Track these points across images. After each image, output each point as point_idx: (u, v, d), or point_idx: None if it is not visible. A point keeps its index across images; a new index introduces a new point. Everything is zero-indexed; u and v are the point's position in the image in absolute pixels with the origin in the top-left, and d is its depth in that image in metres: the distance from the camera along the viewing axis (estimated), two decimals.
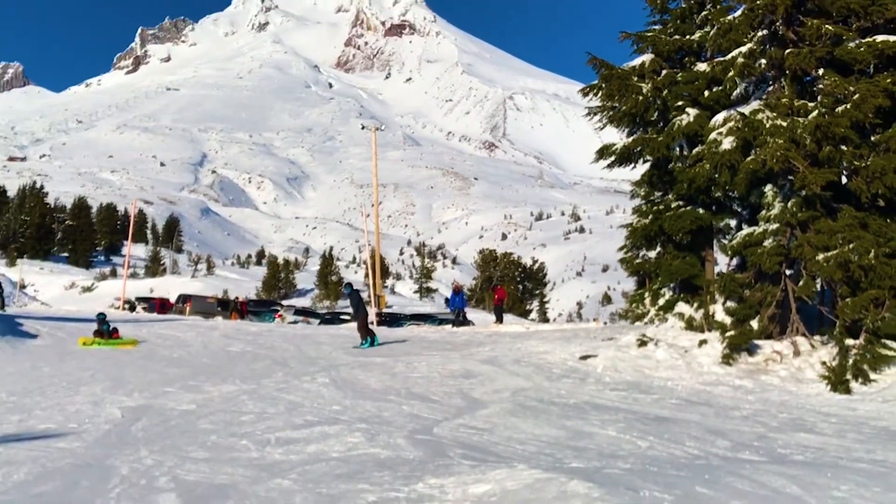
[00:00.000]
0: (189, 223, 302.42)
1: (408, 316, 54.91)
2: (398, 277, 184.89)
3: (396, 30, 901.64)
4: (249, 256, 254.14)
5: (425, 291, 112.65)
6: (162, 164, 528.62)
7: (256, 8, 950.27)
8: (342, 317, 56.43)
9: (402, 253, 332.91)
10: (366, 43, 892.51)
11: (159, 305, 61.63)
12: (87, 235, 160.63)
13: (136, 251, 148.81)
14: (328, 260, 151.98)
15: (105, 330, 30.39)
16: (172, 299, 64.78)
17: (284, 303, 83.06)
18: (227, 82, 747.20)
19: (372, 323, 41.67)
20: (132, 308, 61.45)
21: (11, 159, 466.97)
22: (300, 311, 61.85)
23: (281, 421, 14.80)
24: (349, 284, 33.71)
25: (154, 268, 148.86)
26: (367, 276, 72.44)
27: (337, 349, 29.83)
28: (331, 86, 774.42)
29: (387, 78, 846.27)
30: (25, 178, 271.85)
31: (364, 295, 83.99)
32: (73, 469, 10.85)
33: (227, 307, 60.67)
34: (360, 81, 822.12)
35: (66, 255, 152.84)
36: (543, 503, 8.51)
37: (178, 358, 26.05)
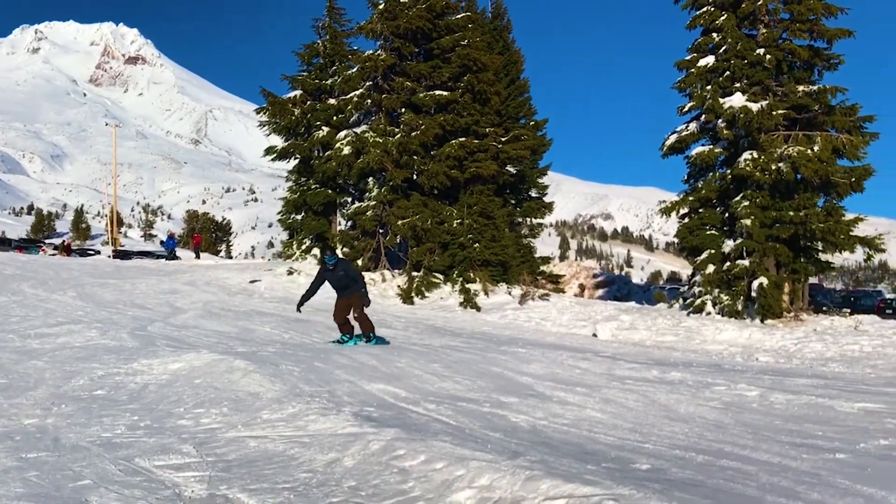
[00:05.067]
0: None
1: (135, 252, 51.32)
2: (130, 227, 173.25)
3: (133, 60, 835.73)
4: (22, 209, 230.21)
5: (148, 236, 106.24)
6: None
7: (31, 38, 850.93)
8: (89, 252, 52.03)
9: (132, 210, 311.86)
10: (111, 67, 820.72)
11: None
12: None
13: None
14: (79, 213, 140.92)
15: None
16: None
17: (47, 241, 75.21)
18: (9, 87, 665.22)
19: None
20: None
21: None
22: (58, 247, 56.41)
23: (39, 321, 13.54)
24: (331, 251, 13.10)
25: None
26: (106, 225, 67.38)
27: (83, 274, 27.57)
28: (85, 95, 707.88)
29: (125, 92, 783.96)
30: None
31: (103, 239, 74.11)
32: None
33: (4, 243, 54.50)
34: (106, 93, 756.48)
35: None
36: (217, 374, 8.31)
37: None
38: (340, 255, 13.82)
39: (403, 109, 25.89)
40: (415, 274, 24.60)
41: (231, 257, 78.70)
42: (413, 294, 23.62)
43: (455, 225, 24.94)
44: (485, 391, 8.14)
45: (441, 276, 24.73)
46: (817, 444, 5.85)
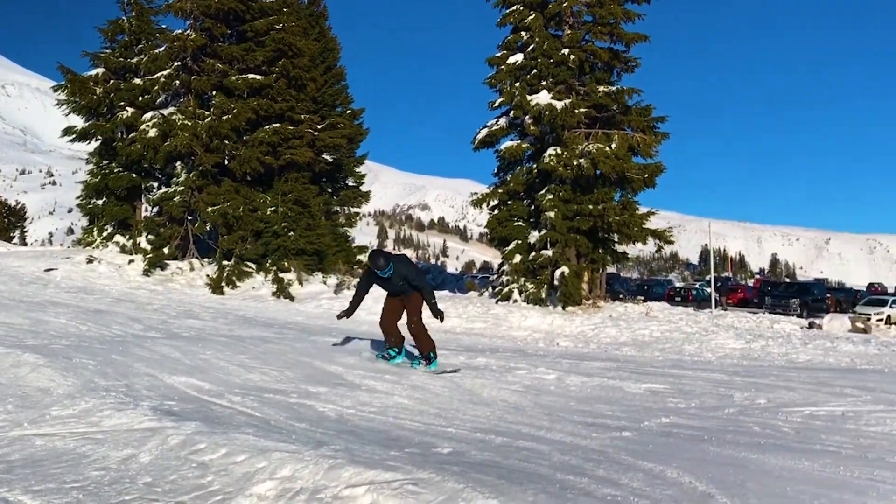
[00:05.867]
0: None
1: None
2: None
3: None
4: None
5: None
6: None
7: None
8: None
9: None
10: None
11: None
12: None
13: None
14: None
15: None
16: None
17: None
18: None
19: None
20: None
21: None
22: None
23: None
24: (384, 258, 8.99)
25: None
26: None
27: None
28: None
29: None
30: None
31: None
32: None
33: None
34: None
35: None
36: (3, 369, 7.65)
37: None
38: (394, 253, 9.42)
39: (214, 92, 25.00)
40: (225, 263, 23.87)
41: (25, 244, 72.89)
42: (223, 284, 22.91)
43: (269, 213, 24.45)
44: (293, 382, 8.05)
45: (253, 266, 24.17)
46: (606, 424, 6.26)
